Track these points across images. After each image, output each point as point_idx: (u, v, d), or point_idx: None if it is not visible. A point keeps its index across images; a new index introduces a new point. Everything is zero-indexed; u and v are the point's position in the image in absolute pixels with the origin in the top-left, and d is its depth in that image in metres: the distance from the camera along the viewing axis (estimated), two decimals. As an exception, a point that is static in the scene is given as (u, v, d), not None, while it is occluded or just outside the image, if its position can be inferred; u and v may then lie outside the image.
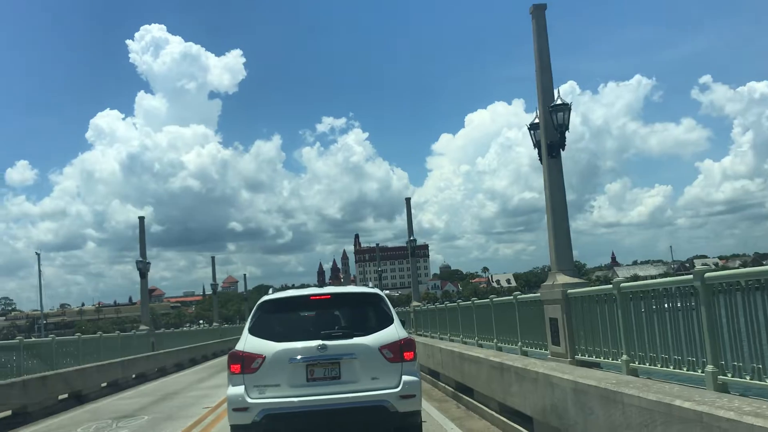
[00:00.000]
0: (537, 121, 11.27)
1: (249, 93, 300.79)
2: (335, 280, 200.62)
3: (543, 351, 10.42)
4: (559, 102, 10.60)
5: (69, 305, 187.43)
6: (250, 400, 7.64)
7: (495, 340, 13.00)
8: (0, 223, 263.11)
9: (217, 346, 41.30)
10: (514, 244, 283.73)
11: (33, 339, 21.60)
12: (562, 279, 9.97)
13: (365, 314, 8.42)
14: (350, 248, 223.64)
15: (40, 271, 67.47)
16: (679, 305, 6.43)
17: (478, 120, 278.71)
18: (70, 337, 22.21)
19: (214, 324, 51.60)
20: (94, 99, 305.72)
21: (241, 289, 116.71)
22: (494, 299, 13.73)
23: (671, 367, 6.56)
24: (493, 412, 10.58)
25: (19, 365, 15.77)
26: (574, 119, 11.89)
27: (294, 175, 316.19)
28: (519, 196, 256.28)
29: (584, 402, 6.85)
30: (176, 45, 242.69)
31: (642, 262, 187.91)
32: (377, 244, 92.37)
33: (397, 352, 7.85)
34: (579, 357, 9.07)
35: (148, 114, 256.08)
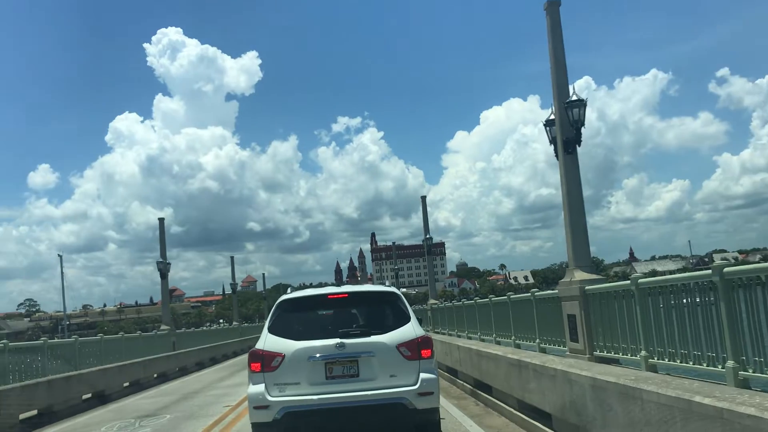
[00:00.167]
0: (552, 117, 11.25)
1: (265, 94, 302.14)
2: (352, 279, 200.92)
3: (561, 348, 10.40)
4: (574, 98, 10.57)
5: (91, 306, 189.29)
6: (270, 398, 7.72)
7: (513, 338, 12.99)
8: (23, 226, 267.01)
9: (237, 345, 41.55)
10: (531, 241, 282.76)
11: (57, 340, 21.88)
12: (580, 275, 9.94)
13: (382, 313, 8.46)
14: (367, 247, 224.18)
15: (62, 272, 68.58)
16: (698, 300, 6.41)
17: (493, 117, 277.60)
18: (93, 338, 22.48)
19: (234, 323, 51.93)
20: (113, 102, 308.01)
21: (260, 288, 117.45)
22: (511, 296, 13.71)
23: (691, 363, 6.53)
24: (512, 409, 10.58)
25: (44, 366, 16.01)
26: (590, 115, 11.85)
27: (310, 175, 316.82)
28: (535, 192, 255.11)
29: (603, 398, 6.85)
30: (193, 48, 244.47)
31: (660, 258, 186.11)
32: (393, 243, 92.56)
33: (414, 349, 7.89)
34: (597, 353, 9.05)
35: (166, 116, 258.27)
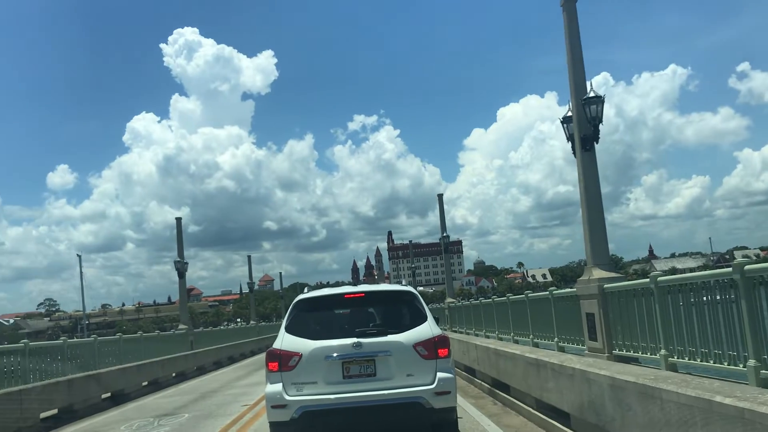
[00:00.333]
0: (570, 114, 11.17)
1: (281, 93, 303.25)
2: (369, 278, 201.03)
3: (580, 346, 10.34)
4: (591, 95, 10.48)
5: (110, 305, 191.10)
6: (288, 398, 7.74)
7: (531, 336, 12.92)
8: (43, 226, 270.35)
9: (255, 344, 41.68)
10: (549, 239, 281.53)
11: (76, 339, 22.11)
12: (599, 273, 9.87)
13: (399, 312, 8.46)
14: (383, 245, 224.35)
15: (81, 272, 69.35)
16: (718, 298, 6.33)
17: (510, 114, 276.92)
18: (112, 337, 22.67)
19: (252, 322, 52.18)
20: (130, 103, 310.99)
21: (277, 287, 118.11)
22: (529, 295, 13.64)
23: (711, 362, 6.45)
24: (530, 409, 10.52)
25: (64, 365, 16.17)
26: (608, 111, 11.75)
27: (327, 173, 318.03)
28: (553, 189, 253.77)
29: (622, 398, 6.79)
30: (209, 47, 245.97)
31: (680, 255, 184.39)
32: (410, 241, 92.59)
33: (431, 349, 7.88)
34: (616, 352, 8.97)
35: (183, 116, 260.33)
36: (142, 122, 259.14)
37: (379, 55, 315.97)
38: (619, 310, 8.92)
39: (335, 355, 7.75)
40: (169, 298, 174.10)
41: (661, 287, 7.46)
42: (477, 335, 19.58)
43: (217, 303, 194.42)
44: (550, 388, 9.47)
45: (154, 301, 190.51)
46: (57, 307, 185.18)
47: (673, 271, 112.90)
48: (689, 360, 6.91)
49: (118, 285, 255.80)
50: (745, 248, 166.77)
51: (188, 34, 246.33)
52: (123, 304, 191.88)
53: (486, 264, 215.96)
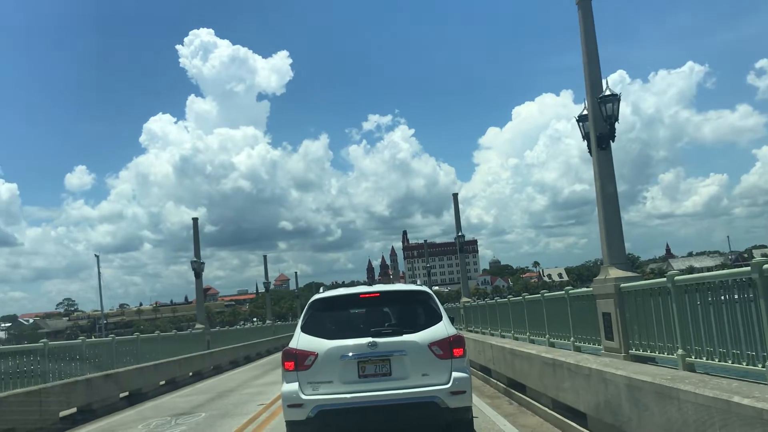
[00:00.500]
0: (585, 112, 11.12)
1: (296, 93, 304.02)
2: (384, 277, 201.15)
3: (596, 346, 10.29)
4: (607, 93, 10.44)
5: (128, 305, 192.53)
6: (304, 397, 7.77)
7: (547, 336, 12.88)
8: (61, 227, 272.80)
9: (271, 344, 41.86)
10: (565, 238, 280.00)
11: (94, 339, 22.32)
12: (615, 273, 9.82)
13: (414, 311, 8.47)
14: (398, 245, 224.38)
15: (99, 272, 69.90)
16: (737, 298, 6.27)
17: (525, 112, 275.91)
18: (129, 337, 22.84)
19: (268, 322, 52.40)
20: (146, 104, 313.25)
21: (292, 286, 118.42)
22: (545, 294, 13.59)
23: (730, 362, 6.40)
24: (546, 408, 10.49)
25: (82, 364, 16.32)
26: (624, 109, 11.70)
27: (342, 173, 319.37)
28: (569, 188, 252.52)
29: (638, 398, 6.74)
30: (224, 48, 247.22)
31: (698, 254, 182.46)
32: (425, 241, 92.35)
33: (446, 348, 7.88)
34: (633, 352, 8.92)
35: (198, 117, 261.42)
36: (159, 123, 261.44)
37: (393, 55, 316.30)
38: (635, 310, 8.87)
39: (351, 354, 7.78)
40: (186, 298, 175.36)
41: (679, 286, 7.41)
42: (492, 335, 19.53)
43: (233, 303, 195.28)
44: (566, 388, 9.44)
45: (171, 301, 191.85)
46: (75, 307, 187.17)
47: (691, 270, 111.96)
48: (707, 360, 6.86)
49: (136, 285, 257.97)
50: (764, 247, 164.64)
51: (204, 35, 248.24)
52: (140, 304, 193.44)
53: (501, 263, 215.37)
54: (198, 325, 31.14)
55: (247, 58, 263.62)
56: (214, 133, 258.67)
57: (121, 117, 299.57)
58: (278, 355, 9.13)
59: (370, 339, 7.79)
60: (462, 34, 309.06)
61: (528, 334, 14.57)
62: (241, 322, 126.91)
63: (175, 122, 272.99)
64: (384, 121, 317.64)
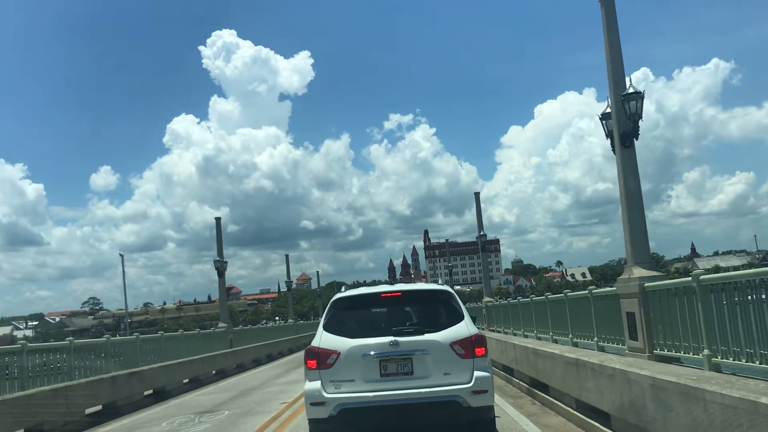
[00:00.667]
0: (609, 110, 11.05)
1: (317, 93, 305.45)
2: (405, 276, 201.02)
3: (620, 346, 10.20)
4: (631, 90, 10.35)
5: (152, 304, 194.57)
6: (326, 395, 7.80)
7: (570, 336, 12.80)
8: (86, 227, 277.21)
9: (293, 343, 42.04)
10: (588, 237, 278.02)
11: (119, 337, 22.56)
12: (639, 272, 9.73)
13: (436, 311, 8.46)
14: (420, 244, 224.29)
15: (124, 271, 70.79)
16: (764, 297, 6.18)
17: (548, 111, 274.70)
18: (153, 335, 23.08)
19: (290, 320, 52.65)
20: (170, 105, 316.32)
21: (314, 285, 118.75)
22: (568, 294, 13.51)
23: (757, 363, 6.31)
24: (569, 408, 10.42)
25: (107, 362, 16.54)
26: (648, 107, 11.58)
27: (363, 172, 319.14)
28: (592, 187, 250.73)
29: (663, 398, 6.67)
30: (247, 49, 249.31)
31: (724, 253, 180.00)
32: (447, 240, 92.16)
33: (468, 348, 7.86)
34: (657, 352, 8.83)
35: (221, 117, 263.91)
36: (182, 124, 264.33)
37: (414, 54, 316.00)
38: (660, 310, 8.78)
39: (373, 353, 7.79)
40: (209, 297, 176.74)
41: (704, 286, 7.32)
42: (515, 335, 19.45)
43: (255, 301, 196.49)
44: (589, 388, 9.36)
45: (195, 300, 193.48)
46: (100, 306, 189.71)
47: (717, 269, 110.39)
48: (733, 360, 6.77)
49: (160, 284, 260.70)
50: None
51: (226, 36, 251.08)
52: (164, 303, 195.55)
53: (524, 263, 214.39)
54: (221, 324, 31.37)
55: (269, 58, 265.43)
56: (237, 133, 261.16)
57: (145, 118, 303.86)
58: (300, 354, 9.19)
59: (391, 338, 7.80)
60: (484, 32, 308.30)
61: (551, 333, 14.48)
62: (264, 321, 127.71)
63: (198, 123, 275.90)
64: (405, 120, 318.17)
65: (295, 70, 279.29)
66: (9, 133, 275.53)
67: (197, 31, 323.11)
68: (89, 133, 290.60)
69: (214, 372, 24.84)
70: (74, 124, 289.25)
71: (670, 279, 9.51)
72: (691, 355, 7.82)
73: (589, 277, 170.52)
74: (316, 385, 7.89)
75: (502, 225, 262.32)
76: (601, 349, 11.00)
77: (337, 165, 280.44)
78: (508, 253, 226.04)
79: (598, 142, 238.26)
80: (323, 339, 8.09)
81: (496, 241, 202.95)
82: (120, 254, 77.77)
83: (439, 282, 9.49)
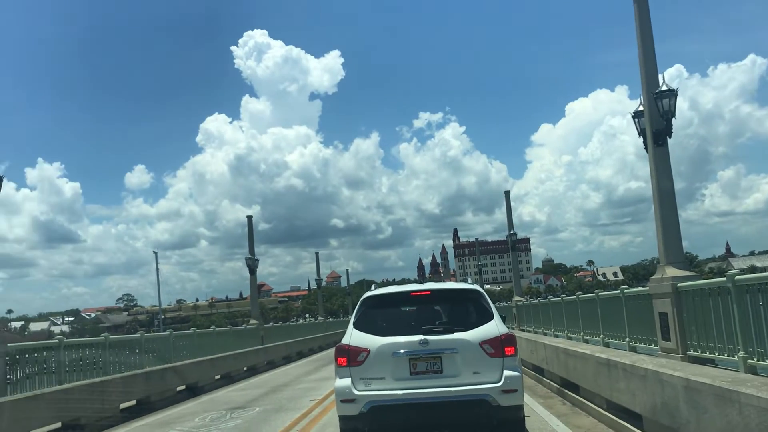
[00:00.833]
0: (641, 108, 10.92)
1: (347, 92, 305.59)
2: (435, 275, 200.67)
3: (652, 347, 10.09)
4: (664, 88, 10.23)
5: (184, 301, 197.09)
6: (356, 392, 7.86)
7: (601, 336, 12.69)
8: (121, 224, 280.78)
9: (323, 340, 42.26)
10: (620, 236, 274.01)
11: (152, 333, 22.95)
12: (672, 272, 9.62)
13: (465, 310, 8.47)
14: (449, 243, 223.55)
15: (157, 268, 71.43)
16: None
17: (579, 108, 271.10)
18: (186, 332, 23.37)
19: (320, 318, 52.95)
20: (203, 105, 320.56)
21: (344, 283, 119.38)
22: (600, 293, 13.39)
23: (794, 365, 6.20)
24: (600, 409, 10.33)
25: (141, 358, 16.81)
26: (682, 104, 11.44)
27: (392, 171, 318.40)
28: (624, 185, 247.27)
29: (697, 400, 6.59)
30: (278, 49, 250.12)
31: (760, 253, 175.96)
32: (476, 239, 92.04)
33: (497, 347, 7.86)
34: (691, 353, 8.72)
35: (253, 117, 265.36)
36: (215, 123, 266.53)
37: (444, 52, 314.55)
38: (693, 310, 8.66)
39: (402, 351, 7.83)
40: (241, 294, 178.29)
41: (740, 286, 7.20)
42: (545, 334, 19.32)
43: (286, 299, 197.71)
44: (621, 389, 9.28)
45: (227, 297, 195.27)
46: (135, 302, 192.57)
47: (752, 269, 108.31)
48: (770, 362, 6.65)
49: (192, 281, 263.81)
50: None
51: (258, 36, 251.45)
52: (197, 300, 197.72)
53: (555, 262, 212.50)
54: (252, 321, 31.67)
55: (300, 58, 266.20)
56: (268, 132, 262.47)
57: (178, 117, 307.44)
58: (330, 352, 9.27)
59: (421, 336, 7.83)
60: (514, 29, 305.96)
61: (582, 333, 14.37)
62: (294, 318, 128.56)
63: (230, 122, 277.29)
64: (435, 118, 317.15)
65: (325, 70, 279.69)
66: (47, 133, 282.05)
67: (229, 31, 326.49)
68: (124, 132, 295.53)
69: (245, 368, 25.08)
70: (110, 123, 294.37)
71: (704, 279, 9.39)
72: (725, 356, 7.71)
73: (620, 277, 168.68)
74: (347, 382, 7.95)
75: (532, 224, 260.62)
76: (633, 350, 10.89)
77: (367, 164, 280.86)
78: (538, 252, 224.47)
79: (631, 141, 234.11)
80: (353, 337, 8.15)
81: (527, 240, 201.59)
82: (154, 252, 78.77)
83: (469, 281, 9.49)
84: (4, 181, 13.31)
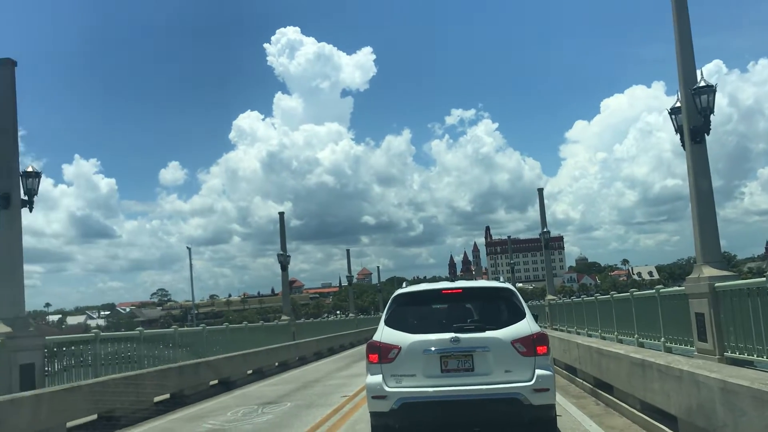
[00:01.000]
0: (678, 104, 10.75)
1: (379, 89, 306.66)
2: (466, 273, 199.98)
3: (688, 347, 9.93)
4: (702, 84, 10.05)
5: (217, 296, 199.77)
6: (387, 389, 7.88)
7: (636, 336, 12.52)
8: (155, 220, 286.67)
9: (354, 337, 42.37)
10: (656, 235, 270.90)
11: (186, 328, 23.21)
12: (709, 271, 9.45)
13: (497, 308, 8.43)
14: (481, 240, 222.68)
15: (191, 264, 72.67)
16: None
17: (615, 105, 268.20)
18: (219, 327, 23.64)
19: (350, 315, 53.12)
20: (236, 102, 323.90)
21: (374, 280, 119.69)
22: (635, 293, 13.21)
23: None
24: (634, 410, 10.19)
25: (175, 352, 17.04)
26: (721, 101, 11.23)
27: (424, 168, 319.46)
28: (661, 183, 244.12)
29: (734, 403, 6.46)
30: (310, 46, 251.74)
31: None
32: (509, 237, 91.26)
33: (529, 346, 7.81)
34: (728, 354, 8.55)
35: (285, 114, 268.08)
36: (247, 120, 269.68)
37: (477, 48, 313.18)
38: (731, 311, 8.50)
39: (433, 349, 7.82)
40: (273, 290, 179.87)
41: (780, 287, 7.04)
42: (578, 334, 19.12)
43: (317, 295, 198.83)
44: (655, 390, 9.14)
45: (258, 293, 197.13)
46: (168, 297, 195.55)
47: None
48: (811, 365, 6.49)
49: (225, 276, 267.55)
50: None
51: (290, 33, 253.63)
52: (229, 295, 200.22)
53: (589, 260, 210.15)
54: (284, 317, 31.88)
55: (332, 54, 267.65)
56: (300, 129, 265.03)
57: (211, 115, 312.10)
58: (361, 348, 9.30)
59: (452, 334, 7.81)
60: (548, 25, 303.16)
61: (616, 333, 14.20)
62: (325, 315, 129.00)
63: (263, 119, 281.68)
64: (467, 115, 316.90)
65: (357, 66, 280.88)
66: (84, 130, 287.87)
67: (262, 28, 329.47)
68: (159, 129, 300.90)
69: (276, 364, 25.24)
70: (145, 121, 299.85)
71: (743, 279, 9.21)
72: (765, 358, 7.55)
73: (656, 276, 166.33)
74: (378, 378, 7.97)
75: (566, 222, 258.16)
76: (668, 351, 10.73)
77: (398, 160, 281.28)
78: (572, 251, 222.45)
79: (667, 138, 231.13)
80: (385, 334, 8.16)
81: (560, 238, 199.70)
82: (187, 247, 79.99)
83: (501, 279, 9.45)
84: (42, 177, 13.66)
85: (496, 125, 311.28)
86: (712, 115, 10.06)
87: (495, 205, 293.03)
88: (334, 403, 14.06)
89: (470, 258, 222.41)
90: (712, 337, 8.95)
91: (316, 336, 33.85)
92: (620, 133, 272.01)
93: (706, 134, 10.11)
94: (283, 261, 32.31)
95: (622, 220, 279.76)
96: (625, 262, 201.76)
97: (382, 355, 8.01)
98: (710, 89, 9.99)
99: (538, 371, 7.75)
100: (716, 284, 8.97)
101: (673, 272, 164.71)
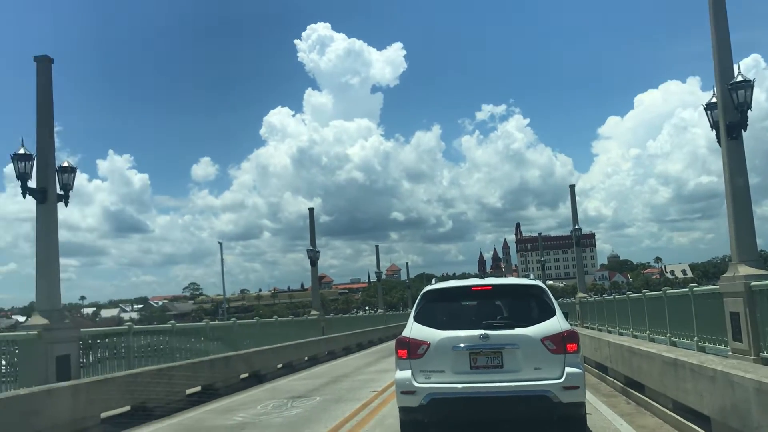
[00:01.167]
0: (714, 100, 10.59)
1: (409, 85, 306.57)
2: (496, 270, 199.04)
3: (722, 347, 9.78)
4: (739, 79, 9.89)
5: (248, 290, 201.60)
6: (416, 384, 7.90)
7: (668, 335, 12.38)
8: (187, 215, 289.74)
9: (382, 332, 42.44)
10: (690, 233, 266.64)
11: (217, 322, 23.51)
12: (745, 270, 9.30)
13: (527, 305, 8.40)
14: (511, 237, 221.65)
15: (222, 259, 73.39)
16: None
17: (648, 100, 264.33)
18: (250, 321, 23.84)
19: (379, 311, 53.24)
20: (266, 98, 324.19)
21: (403, 277, 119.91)
22: (668, 291, 13.05)
23: None
24: (665, 409, 10.06)
25: (206, 345, 17.27)
26: (759, 96, 11.01)
27: (453, 164, 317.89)
28: (695, 180, 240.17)
29: (770, 404, 6.34)
30: (340, 42, 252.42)
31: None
32: (540, 234, 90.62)
33: (559, 343, 7.77)
34: (764, 355, 8.42)
35: (315, 110, 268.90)
36: (278, 116, 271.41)
37: (508, 44, 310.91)
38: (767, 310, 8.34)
39: (462, 345, 7.82)
40: (302, 285, 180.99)
41: (818, 286, 6.90)
42: (609, 332, 18.93)
43: (346, 291, 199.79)
44: (688, 390, 9.01)
45: (288, 288, 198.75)
46: (200, 291, 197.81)
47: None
48: None
49: (256, 271, 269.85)
50: None
51: (321, 29, 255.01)
52: (260, 290, 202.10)
53: (621, 258, 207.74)
54: (313, 312, 32.08)
55: (362, 50, 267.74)
56: (330, 125, 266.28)
57: (242, 111, 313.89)
58: (389, 344, 9.34)
59: (482, 331, 7.80)
60: (580, 19, 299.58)
61: (648, 332, 14.05)
62: (354, 310, 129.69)
63: (293, 115, 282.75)
64: (498, 111, 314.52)
65: (387, 62, 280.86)
66: (118, 126, 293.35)
67: (293, 25, 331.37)
68: (191, 125, 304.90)
69: (306, 358, 25.41)
70: (177, 117, 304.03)
71: (780, 278, 9.03)
72: (801, 359, 7.40)
73: (689, 275, 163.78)
74: (407, 374, 8.00)
75: (598, 219, 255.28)
76: (702, 350, 10.58)
77: (428, 157, 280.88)
78: (604, 248, 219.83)
79: (703, 134, 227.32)
80: (414, 329, 8.18)
81: (592, 236, 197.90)
82: (219, 242, 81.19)
83: (531, 276, 9.41)
84: (77, 172, 13.95)
85: (528, 121, 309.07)
86: (749, 111, 9.88)
87: (526, 202, 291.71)
88: (363, 397, 14.11)
89: (500, 255, 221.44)
90: (747, 337, 8.81)
91: (345, 331, 34.00)
92: (654, 129, 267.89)
93: (742, 130, 9.95)
94: (313, 256, 32.50)
95: (655, 218, 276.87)
96: (658, 260, 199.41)
97: (412, 350, 8.04)
98: (748, 84, 9.82)
99: (567, 369, 7.71)
100: (752, 283, 8.84)
101: (707, 271, 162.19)
